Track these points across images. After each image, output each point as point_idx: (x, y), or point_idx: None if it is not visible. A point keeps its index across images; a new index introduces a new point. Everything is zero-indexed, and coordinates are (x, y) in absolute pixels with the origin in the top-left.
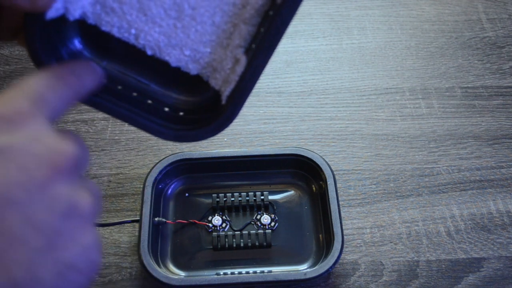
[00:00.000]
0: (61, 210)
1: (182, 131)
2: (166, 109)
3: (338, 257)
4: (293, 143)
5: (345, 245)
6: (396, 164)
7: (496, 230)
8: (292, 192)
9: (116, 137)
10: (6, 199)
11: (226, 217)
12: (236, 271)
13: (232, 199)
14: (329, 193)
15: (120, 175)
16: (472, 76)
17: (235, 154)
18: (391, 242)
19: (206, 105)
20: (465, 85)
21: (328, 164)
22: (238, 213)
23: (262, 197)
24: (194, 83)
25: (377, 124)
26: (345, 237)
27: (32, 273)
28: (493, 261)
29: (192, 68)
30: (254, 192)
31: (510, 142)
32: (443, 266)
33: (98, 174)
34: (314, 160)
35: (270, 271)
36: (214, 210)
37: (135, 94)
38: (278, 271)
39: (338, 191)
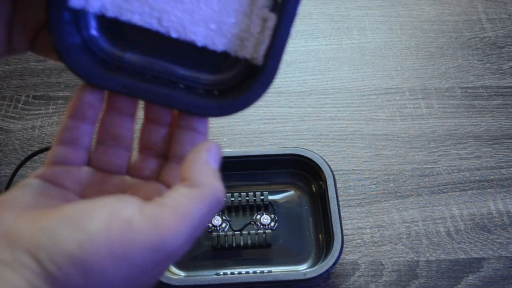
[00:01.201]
0: None
1: (225, 102)
2: (200, 90)
3: (338, 257)
4: (293, 143)
5: (345, 245)
6: (396, 164)
7: (496, 230)
8: (292, 192)
9: None
10: None
11: (226, 217)
12: (236, 271)
13: (232, 199)
14: (329, 193)
15: None
16: (472, 76)
17: (235, 154)
18: (391, 242)
19: (240, 77)
20: (465, 85)
21: (328, 164)
22: (238, 213)
23: (262, 197)
24: (223, 60)
25: (377, 124)
26: (345, 237)
27: None
28: (493, 261)
29: (219, 44)
30: (254, 192)
31: (510, 142)
32: (443, 266)
33: None
34: (314, 160)
35: (270, 271)
36: None
37: (165, 81)
38: (278, 271)
39: (338, 191)
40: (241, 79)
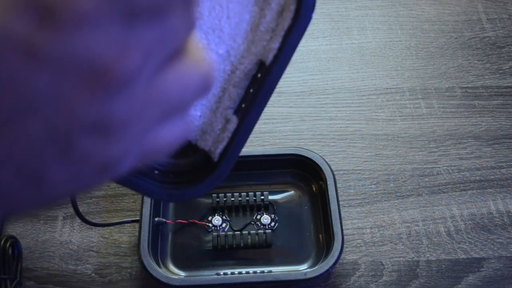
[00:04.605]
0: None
1: (175, 190)
2: (156, 172)
3: (338, 257)
4: (293, 143)
5: (345, 245)
6: (396, 164)
7: (496, 230)
8: (292, 192)
9: None
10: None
11: (226, 217)
12: (236, 271)
13: (232, 199)
14: (329, 193)
15: None
16: (472, 76)
17: None
18: (391, 242)
19: (195, 166)
20: (465, 85)
21: (328, 164)
22: (238, 213)
23: (262, 197)
24: (183, 147)
25: (377, 124)
26: (345, 237)
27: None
28: (493, 261)
29: None
30: (254, 192)
31: (510, 142)
32: (443, 266)
33: None
34: (314, 160)
35: (270, 271)
36: (214, 210)
37: None
38: (278, 271)
39: (338, 191)
40: (196, 167)
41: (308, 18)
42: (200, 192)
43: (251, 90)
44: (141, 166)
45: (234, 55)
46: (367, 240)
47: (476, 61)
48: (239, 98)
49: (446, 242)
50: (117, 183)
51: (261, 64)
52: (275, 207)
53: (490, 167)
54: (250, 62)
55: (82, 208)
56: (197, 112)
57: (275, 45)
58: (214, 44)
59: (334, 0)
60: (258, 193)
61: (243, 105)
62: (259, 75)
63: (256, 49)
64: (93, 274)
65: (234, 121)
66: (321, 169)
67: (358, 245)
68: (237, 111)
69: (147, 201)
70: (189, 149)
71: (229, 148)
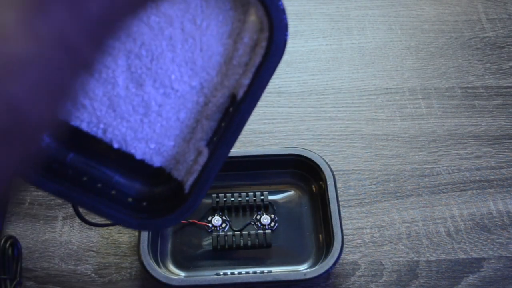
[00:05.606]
0: None
1: (145, 220)
2: (130, 199)
3: (338, 257)
4: (293, 143)
5: (345, 245)
6: (396, 164)
7: (496, 230)
8: (292, 192)
9: None
10: None
11: (226, 217)
12: (236, 271)
13: (232, 199)
14: (329, 193)
15: None
16: (472, 76)
17: (235, 154)
18: (391, 242)
19: (169, 195)
20: (465, 85)
21: (328, 164)
22: (238, 213)
23: (262, 197)
24: (157, 175)
25: (377, 124)
26: (345, 237)
27: None
28: (493, 261)
29: (156, 161)
30: (254, 192)
31: (510, 142)
32: (443, 266)
33: None
34: (314, 160)
35: (270, 271)
36: (214, 210)
37: (99, 185)
38: (278, 271)
39: (338, 191)
40: (170, 196)
41: (279, 56)
42: (169, 223)
43: (223, 124)
44: (115, 189)
45: (207, 87)
46: (367, 240)
47: (476, 61)
48: (211, 130)
49: (446, 242)
50: (88, 210)
51: (233, 98)
52: (275, 207)
53: (490, 167)
54: (223, 96)
55: (82, 208)
56: (170, 142)
57: (246, 81)
58: (187, 77)
59: (334, 0)
60: (258, 193)
61: (214, 138)
62: (231, 109)
63: (229, 83)
64: (93, 274)
65: (205, 154)
66: (321, 169)
67: (358, 245)
68: (209, 143)
69: None
70: (164, 177)
71: (198, 182)
